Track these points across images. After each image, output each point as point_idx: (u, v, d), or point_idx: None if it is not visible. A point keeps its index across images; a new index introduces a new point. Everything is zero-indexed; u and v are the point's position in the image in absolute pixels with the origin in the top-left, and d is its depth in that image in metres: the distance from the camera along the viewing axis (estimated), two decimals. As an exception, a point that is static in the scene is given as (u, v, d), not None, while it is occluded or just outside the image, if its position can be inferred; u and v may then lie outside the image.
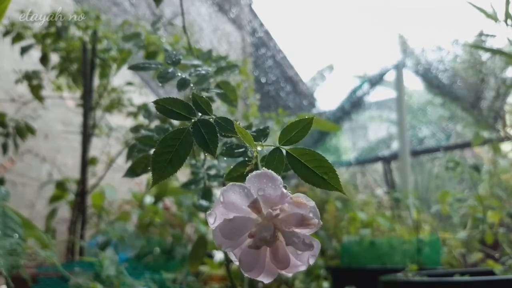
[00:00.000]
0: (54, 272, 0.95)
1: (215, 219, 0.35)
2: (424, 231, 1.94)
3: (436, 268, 1.49)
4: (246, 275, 0.35)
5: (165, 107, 0.42)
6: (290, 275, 0.35)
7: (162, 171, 0.40)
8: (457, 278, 0.99)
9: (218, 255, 1.65)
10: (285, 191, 0.34)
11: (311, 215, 0.33)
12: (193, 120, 0.43)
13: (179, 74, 0.63)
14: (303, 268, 0.35)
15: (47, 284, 0.91)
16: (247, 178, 0.35)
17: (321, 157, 0.39)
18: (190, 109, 0.43)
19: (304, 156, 0.39)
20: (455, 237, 1.74)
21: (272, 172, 0.35)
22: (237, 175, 0.45)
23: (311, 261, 0.35)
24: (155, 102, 0.42)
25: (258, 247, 0.33)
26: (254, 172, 0.35)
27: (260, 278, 0.35)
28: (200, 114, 0.44)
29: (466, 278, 0.96)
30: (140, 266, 1.27)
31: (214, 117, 0.44)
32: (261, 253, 0.35)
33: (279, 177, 0.35)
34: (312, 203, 0.34)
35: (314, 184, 0.39)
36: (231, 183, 0.34)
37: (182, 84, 0.61)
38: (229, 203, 0.34)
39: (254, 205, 0.34)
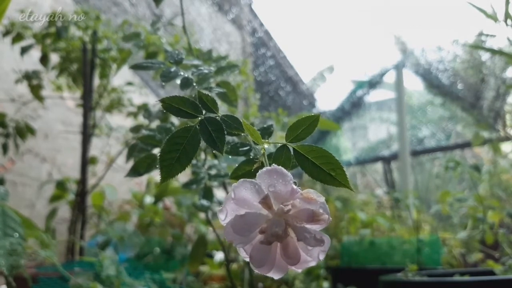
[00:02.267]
0: (54, 272, 0.95)
1: (226, 215, 0.35)
2: (424, 231, 1.95)
3: (436, 268, 1.49)
4: (256, 271, 0.35)
5: (172, 105, 0.42)
6: (299, 270, 0.36)
7: (171, 169, 0.40)
8: (457, 278, 0.99)
9: (218, 255, 1.65)
10: (295, 187, 0.34)
11: (321, 210, 0.34)
12: (199, 118, 0.43)
13: (182, 73, 0.63)
14: (313, 263, 0.35)
15: (47, 284, 0.91)
16: (257, 174, 0.36)
17: (328, 153, 0.39)
18: (196, 107, 0.43)
19: (311, 153, 0.39)
20: (455, 237, 1.74)
21: (282, 168, 0.35)
22: (242, 173, 0.45)
23: (321, 257, 0.35)
24: (162, 101, 0.42)
25: (269, 243, 0.34)
26: (265, 168, 0.35)
27: (270, 274, 0.36)
28: (205, 112, 0.44)
29: (466, 278, 0.96)
30: (140, 266, 1.27)
31: (220, 115, 0.44)
32: (272, 249, 0.35)
33: (289, 173, 0.35)
34: (322, 199, 0.34)
35: (322, 180, 0.39)
36: (242, 179, 0.35)
37: (185, 83, 0.61)
38: (240, 199, 0.34)
39: (265, 201, 0.34)
